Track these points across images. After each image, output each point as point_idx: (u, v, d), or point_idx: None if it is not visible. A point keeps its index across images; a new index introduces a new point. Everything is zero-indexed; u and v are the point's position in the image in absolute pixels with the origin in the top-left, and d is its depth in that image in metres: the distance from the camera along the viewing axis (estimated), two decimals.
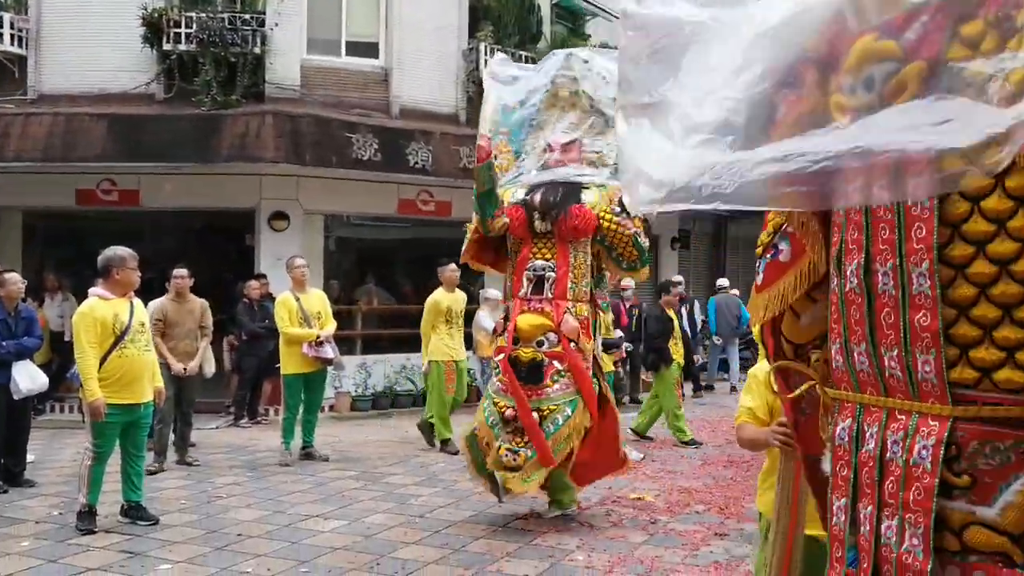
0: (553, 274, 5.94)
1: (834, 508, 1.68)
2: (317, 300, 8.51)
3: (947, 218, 1.43)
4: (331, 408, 11.11)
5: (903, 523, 1.48)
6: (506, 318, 6.13)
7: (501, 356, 5.95)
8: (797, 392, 1.93)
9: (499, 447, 5.72)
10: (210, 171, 11.17)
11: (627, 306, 11.73)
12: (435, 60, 12.68)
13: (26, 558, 5.19)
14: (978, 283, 1.41)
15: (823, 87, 1.45)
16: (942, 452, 1.43)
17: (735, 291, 14.47)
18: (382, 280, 13.34)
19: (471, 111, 12.63)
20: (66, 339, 9.34)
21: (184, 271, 8.09)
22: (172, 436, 8.04)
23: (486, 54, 12.52)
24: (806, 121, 1.44)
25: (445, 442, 8.75)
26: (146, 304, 6.46)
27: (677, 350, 9.68)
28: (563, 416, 5.73)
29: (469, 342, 9.82)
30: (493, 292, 9.53)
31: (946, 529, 1.44)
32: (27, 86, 11.44)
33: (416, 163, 11.63)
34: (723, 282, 14.65)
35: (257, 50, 11.29)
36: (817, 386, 1.85)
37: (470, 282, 10.77)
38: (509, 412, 5.76)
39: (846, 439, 1.64)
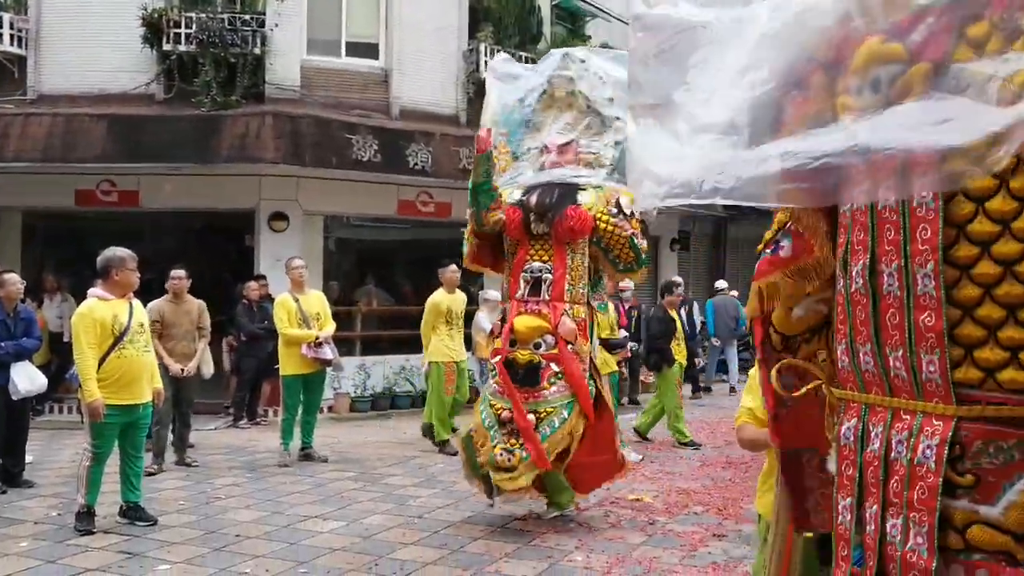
0: (550, 276, 5.91)
1: (839, 507, 1.69)
2: (316, 301, 8.51)
3: (952, 219, 1.44)
4: (330, 409, 11.12)
5: (907, 522, 1.49)
6: (503, 320, 6.12)
7: (497, 358, 5.94)
8: (803, 391, 1.93)
9: (494, 447, 5.71)
10: (210, 172, 11.17)
11: (626, 307, 11.73)
12: (435, 61, 12.68)
13: (24, 559, 5.19)
14: (983, 284, 1.42)
15: (830, 89, 1.46)
16: (946, 451, 1.44)
17: (734, 292, 14.48)
18: (382, 281, 13.34)
19: (471, 112, 12.63)
20: (65, 340, 9.33)
21: (181, 272, 8.09)
22: (171, 437, 8.03)
23: (486, 55, 12.52)
24: (811, 121, 1.45)
25: (444, 443, 8.76)
26: (145, 305, 6.45)
27: (679, 351, 9.67)
28: (559, 419, 5.71)
29: (469, 343, 9.82)
30: (492, 293, 9.53)
31: (950, 528, 1.45)
32: (27, 86, 11.44)
33: (416, 164, 11.63)
34: (721, 284, 14.66)
35: (257, 51, 11.30)
36: (823, 386, 1.85)
37: (470, 283, 10.78)
38: (505, 414, 5.75)
39: (851, 439, 1.65)
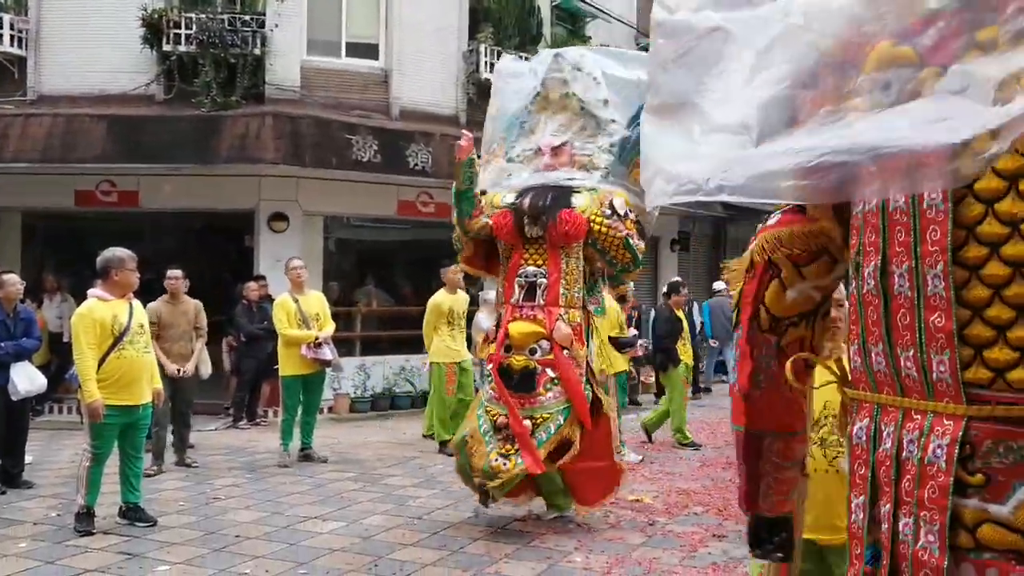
0: (545, 280, 5.87)
1: (852, 506, 1.71)
2: (316, 302, 8.51)
3: (961, 220, 1.45)
4: (330, 409, 11.12)
5: (919, 521, 1.50)
6: (498, 325, 6.09)
7: (491, 364, 5.92)
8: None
9: (490, 452, 5.66)
10: (209, 172, 11.17)
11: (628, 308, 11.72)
12: (435, 62, 12.69)
13: (24, 559, 5.19)
14: (992, 284, 1.43)
15: (840, 90, 1.47)
16: (956, 451, 1.45)
17: (732, 293, 14.44)
18: (381, 282, 13.34)
19: (471, 113, 12.64)
20: (65, 340, 9.33)
21: (178, 272, 8.08)
22: (170, 438, 8.03)
23: (486, 56, 12.53)
24: (819, 120, 1.47)
25: (444, 443, 8.75)
26: (144, 306, 6.45)
27: (685, 351, 9.66)
28: (555, 425, 5.68)
29: (471, 343, 9.82)
30: (492, 294, 9.52)
31: (960, 527, 1.46)
32: (27, 87, 11.45)
33: (416, 165, 11.64)
34: (719, 285, 14.64)
35: (257, 51, 11.30)
36: (836, 386, 1.87)
37: (470, 283, 10.77)
38: (501, 419, 5.71)
39: (864, 438, 1.66)
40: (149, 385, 5.97)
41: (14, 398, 6.85)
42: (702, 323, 14.07)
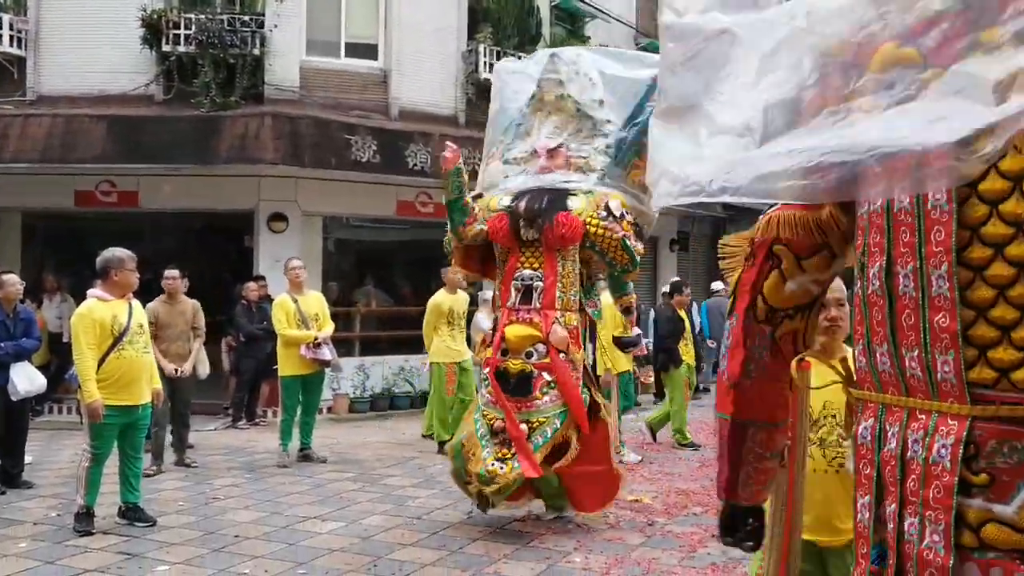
0: (541, 283, 5.85)
1: (858, 505, 1.71)
2: (315, 302, 8.51)
3: (966, 221, 1.45)
4: (329, 410, 11.12)
5: (924, 520, 1.51)
6: (494, 329, 6.07)
7: (488, 368, 5.90)
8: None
9: (486, 458, 5.64)
10: (209, 172, 11.17)
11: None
12: (434, 62, 12.69)
13: (23, 559, 5.19)
14: (996, 285, 1.43)
15: (844, 92, 1.48)
16: (961, 451, 1.46)
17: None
18: (381, 282, 13.34)
19: (470, 113, 12.65)
20: (64, 340, 9.33)
21: (175, 271, 8.07)
22: (170, 438, 8.03)
23: (485, 56, 12.53)
24: (821, 121, 1.47)
25: (443, 444, 8.75)
26: (143, 306, 6.45)
27: (687, 351, 9.65)
28: (552, 429, 5.66)
29: (471, 343, 9.82)
30: (491, 294, 9.52)
31: (964, 526, 1.46)
32: (26, 87, 11.45)
33: (415, 165, 11.64)
34: (717, 286, 14.65)
35: (256, 51, 11.30)
36: (842, 386, 1.87)
37: (469, 283, 10.76)
38: (498, 424, 5.69)
39: (868, 438, 1.67)
40: (148, 385, 5.97)
41: (14, 398, 6.85)
42: (700, 323, 14.07)
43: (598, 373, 8.49)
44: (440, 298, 8.94)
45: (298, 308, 8.23)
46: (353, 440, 9.69)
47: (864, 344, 1.68)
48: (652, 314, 11.84)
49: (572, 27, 15.45)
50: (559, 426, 5.68)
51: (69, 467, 7.31)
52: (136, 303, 6.05)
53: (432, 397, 9.00)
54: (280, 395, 8.54)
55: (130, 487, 5.99)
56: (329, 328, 8.43)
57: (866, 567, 1.66)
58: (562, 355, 5.77)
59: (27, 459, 7.40)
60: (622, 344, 8.53)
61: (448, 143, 6.10)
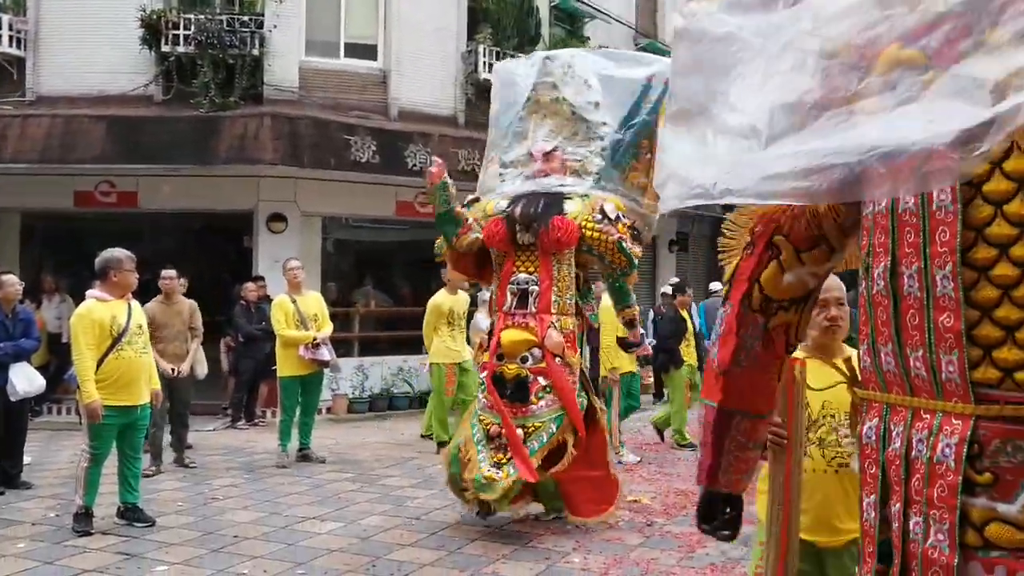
0: (537, 288, 5.84)
1: (864, 505, 1.72)
2: (314, 302, 8.51)
3: (970, 222, 1.46)
4: (328, 410, 11.12)
5: (928, 519, 1.52)
6: (490, 333, 6.06)
7: (485, 373, 5.89)
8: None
9: (481, 464, 5.61)
10: (208, 173, 11.18)
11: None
12: (434, 62, 12.69)
13: (22, 560, 5.19)
14: (1001, 285, 1.44)
15: (848, 94, 1.49)
16: (965, 450, 1.47)
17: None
18: (380, 282, 13.34)
19: (470, 113, 12.65)
20: (64, 341, 9.33)
21: (172, 272, 8.07)
22: (168, 438, 8.03)
23: (485, 56, 12.53)
24: (824, 122, 1.48)
25: (442, 444, 8.75)
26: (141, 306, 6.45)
27: (689, 352, 9.64)
28: (548, 433, 5.65)
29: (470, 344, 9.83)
30: (489, 294, 9.52)
31: (968, 525, 1.47)
32: (25, 88, 11.45)
33: (414, 165, 11.62)
34: (715, 286, 14.64)
35: (255, 52, 11.30)
36: (845, 386, 1.88)
37: (470, 284, 10.76)
38: (494, 428, 5.67)
39: (873, 438, 1.68)
40: (147, 386, 5.97)
41: (13, 399, 6.85)
42: (698, 324, 14.06)
43: (602, 374, 8.50)
44: (440, 298, 8.95)
45: (297, 308, 8.23)
46: (352, 440, 9.69)
47: (869, 344, 1.69)
48: (651, 314, 11.83)
49: (571, 27, 15.45)
50: (555, 430, 5.66)
51: (68, 467, 7.31)
52: (135, 304, 6.05)
53: (432, 398, 8.99)
54: (279, 395, 8.54)
55: (129, 487, 5.99)
56: (328, 329, 8.43)
57: (872, 566, 1.67)
58: (558, 359, 5.76)
59: (26, 459, 7.40)
60: (625, 345, 8.54)
61: (434, 158, 6.11)
